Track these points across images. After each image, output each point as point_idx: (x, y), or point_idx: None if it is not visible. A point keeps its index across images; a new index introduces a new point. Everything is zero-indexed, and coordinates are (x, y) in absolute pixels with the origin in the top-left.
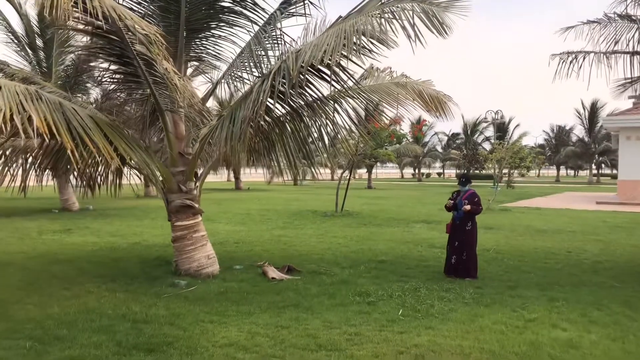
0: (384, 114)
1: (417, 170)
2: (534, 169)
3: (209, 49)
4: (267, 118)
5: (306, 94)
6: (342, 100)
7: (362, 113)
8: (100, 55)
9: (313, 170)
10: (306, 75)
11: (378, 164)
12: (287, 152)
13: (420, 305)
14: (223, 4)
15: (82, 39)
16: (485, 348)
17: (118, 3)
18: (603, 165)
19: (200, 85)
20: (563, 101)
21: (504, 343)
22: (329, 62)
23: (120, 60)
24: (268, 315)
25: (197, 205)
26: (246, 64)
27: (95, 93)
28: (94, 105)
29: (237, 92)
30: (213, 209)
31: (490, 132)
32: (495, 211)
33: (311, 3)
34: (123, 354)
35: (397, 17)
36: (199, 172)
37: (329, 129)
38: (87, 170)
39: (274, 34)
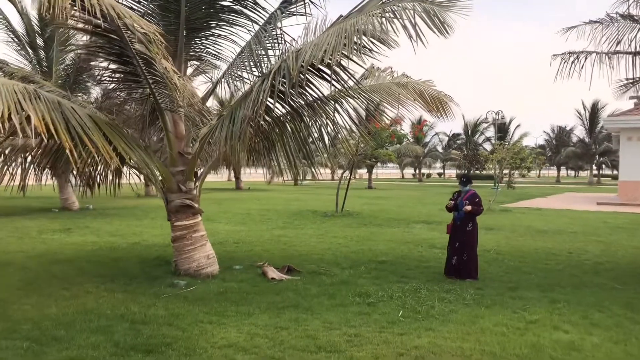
0: (384, 114)
1: (417, 171)
2: (534, 169)
3: (209, 48)
4: (267, 118)
5: (306, 93)
6: (343, 100)
7: (363, 113)
8: (100, 54)
9: (313, 170)
10: (306, 75)
11: (378, 164)
12: (287, 152)
13: (420, 307)
14: (223, 3)
15: (83, 38)
16: (486, 350)
17: (117, 1)
18: (604, 166)
19: (200, 85)
20: (564, 102)
21: (505, 345)
22: (330, 61)
23: (120, 59)
24: (267, 316)
25: (196, 205)
26: (246, 63)
27: (95, 92)
28: (94, 104)
29: (237, 91)
30: (213, 209)
31: (491, 132)
32: (496, 212)
33: (312, 2)
34: (121, 355)
35: (398, 17)
36: (199, 171)
37: (329, 128)
38: (86, 170)
39: (274, 33)
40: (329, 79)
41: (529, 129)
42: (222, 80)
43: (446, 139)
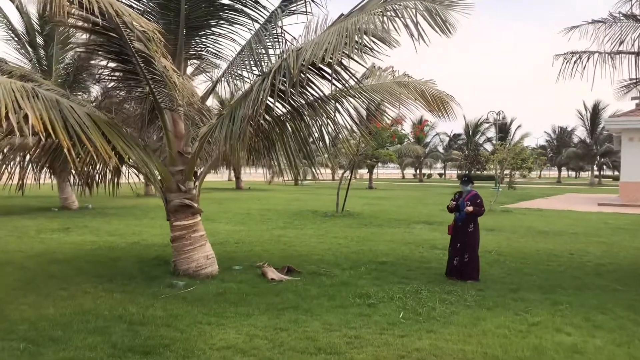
0: (385, 114)
1: (418, 171)
2: (535, 170)
3: (208, 46)
4: (268, 117)
5: (307, 93)
6: (344, 100)
7: (364, 112)
8: (99, 52)
9: (314, 170)
10: (307, 74)
11: (379, 164)
12: (287, 152)
13: (421, 308)
14: (223, 1)
15: (82, 36)
16: (489, 353)
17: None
18: (605, 166)
19: (200, 84)
20: (565, 102)
21: (507, 348)
22: (331, 60)
23: (119, 58)
24: (267, 317)
25: (196, 205)
26: (246, 62)
27: (95, 91)
28: (94, 103)
29: (237, 90)
30: (213, 209)
31: (492, 132)
32: (497, 212)
33: (313, 1)
34: (118, 356)
35: (400, 15)
36: (199, 171)
37: (330, 128)
38: (85, 169)
39: (274, 32)
40: (329, 78)
41: (530, 129)
42: (222, 79)
43: (447, 139)
